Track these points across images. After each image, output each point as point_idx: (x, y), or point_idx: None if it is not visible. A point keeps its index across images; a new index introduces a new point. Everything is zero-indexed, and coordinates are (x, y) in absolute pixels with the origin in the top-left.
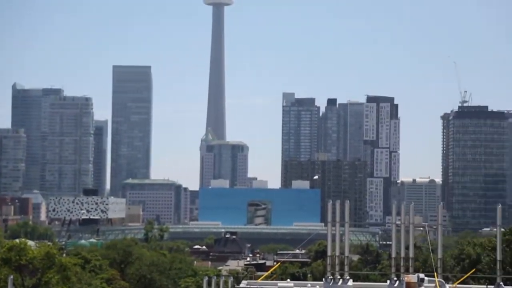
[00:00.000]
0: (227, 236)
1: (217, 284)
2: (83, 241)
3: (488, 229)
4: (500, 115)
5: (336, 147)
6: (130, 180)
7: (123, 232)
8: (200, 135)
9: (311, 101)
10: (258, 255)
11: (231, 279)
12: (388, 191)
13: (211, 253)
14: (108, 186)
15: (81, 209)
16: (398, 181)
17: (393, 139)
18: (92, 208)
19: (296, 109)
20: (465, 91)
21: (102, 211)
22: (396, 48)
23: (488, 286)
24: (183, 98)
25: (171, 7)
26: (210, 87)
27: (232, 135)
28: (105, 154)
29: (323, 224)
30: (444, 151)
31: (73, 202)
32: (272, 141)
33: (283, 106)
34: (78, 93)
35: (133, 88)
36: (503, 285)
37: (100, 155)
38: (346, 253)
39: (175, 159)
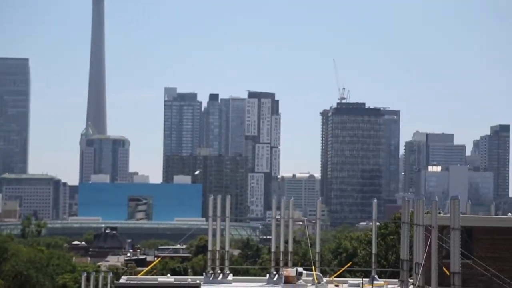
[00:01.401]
0: (107, 231)
1: (96, 280)
2: None
3: (365, 223)
4: (377, 112)
5: (218, 142)
6: (6, 175)
7: None
8: (80, 129)
9: (193, 96)
10: (138, 250)
11: (110, 275)
12: (269, 186)
13: (90, 249)
14: None
15: None
16: (279, 176)
17: (274, 135)
18: None
19: (178, 104)
20: (343, 88)
21: None
22: (278, 44)
23: (364, 279)
24: (63, 92)
25: None
26: (90, 81)
27: (113, 130)
28: None
29: (204, 219)
30: (323, 147)
31: None
32: (153, 135)
33: (165, 101)
34: None
35: (9, 80)
36: (377, 278)
37: None
38: (227, 248)
39: (54, 153)
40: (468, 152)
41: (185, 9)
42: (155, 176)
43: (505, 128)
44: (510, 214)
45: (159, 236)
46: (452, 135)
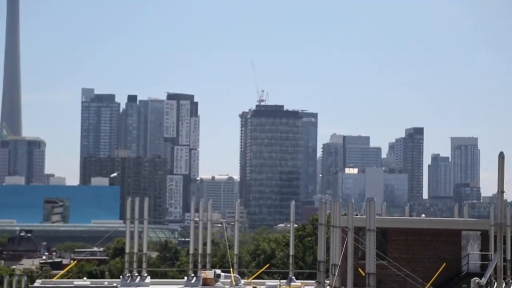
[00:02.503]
0: (22, 234)
1: (10, 284)
2: None
3: (283, 225)
4: (295, 115)
5: (136, 144)
6: None
7: None
8: None
9: (111, 97)
10: (54, 253)
11: (24, 278)
12: (188, 188)
13: (4, 252)
14: None
15: None
16: (198, 178)
17: (193, 137)
18: None
19: (96, 105)
20: (262, 91)
21: None
22: (196, 45)
23: (281, 280)
24: None
25: None
26: (4, 81)
27: (28, 131)
28: None
29: (122, 221)
30: (242, 149)
31: None
32: (70, 137)
33: (82, 102)
34: None
35: None
36: (294, 279)
37: None
38: (145, 250)
39: None
40: (383, 155)
41: (105, 8)
42: (72, 178)
43: (419, 130)
44: (423, 215)
45: (76, 238)
46: (368, 137)
